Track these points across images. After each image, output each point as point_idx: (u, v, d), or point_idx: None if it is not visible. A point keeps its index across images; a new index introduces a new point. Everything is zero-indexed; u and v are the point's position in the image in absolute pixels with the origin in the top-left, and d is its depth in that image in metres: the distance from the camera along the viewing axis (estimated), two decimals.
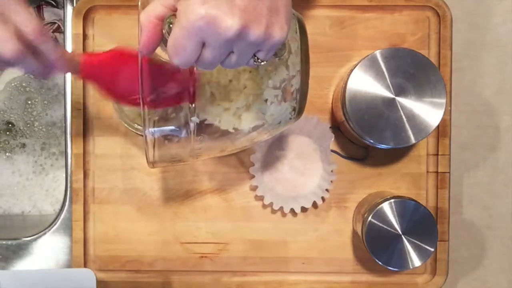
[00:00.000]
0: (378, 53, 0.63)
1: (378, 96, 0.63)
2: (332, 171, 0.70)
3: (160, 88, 0.51)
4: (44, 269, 0.73)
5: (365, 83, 0.63)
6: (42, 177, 0.85)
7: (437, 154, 0.72)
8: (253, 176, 0.71)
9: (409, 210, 0.65)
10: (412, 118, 0.63)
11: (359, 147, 0.73)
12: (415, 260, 0.65)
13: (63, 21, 0.75)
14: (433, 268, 0.73)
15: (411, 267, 0.65)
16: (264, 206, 0.73)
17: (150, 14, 0.47)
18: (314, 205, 0.72)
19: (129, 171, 0.73)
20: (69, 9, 0.74)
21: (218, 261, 0.73)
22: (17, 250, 0.74)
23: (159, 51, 0.49)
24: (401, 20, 0.72)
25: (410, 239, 0.64)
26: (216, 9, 0.43)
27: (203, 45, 0.45)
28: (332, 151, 0.72)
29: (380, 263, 0.65)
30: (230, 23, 0.43)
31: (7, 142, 0.85)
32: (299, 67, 0.54)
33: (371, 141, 0.64)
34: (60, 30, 0.83)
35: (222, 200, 0.73)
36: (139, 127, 0.68)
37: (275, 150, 0.72)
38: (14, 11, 0.49)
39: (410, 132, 0.63)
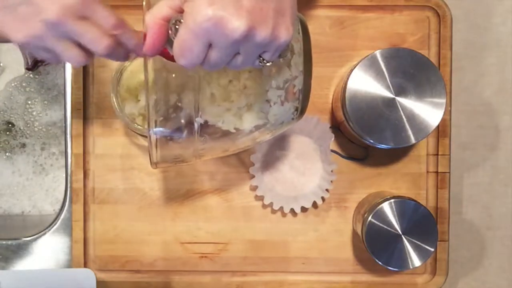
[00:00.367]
0: (378, 53, 0.63)
1: (378, 96, 0.63)
2: (332, 171, 0.70)
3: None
4: (44, 269, 0.73)
5: (365, 83, 0.63)
6: (42, 177, 0.85)
7: (437, 154, 0.72)
8: (253, 176, 0.71)
9: (409, 210, 0.65)
10: (412, 118, 0.63)
11: (359, 147, 0.73)
12: (415, 260, 0.65)
13: None
14: (433, 268, 0.73)
15: (411, 267, 0.65)
16: (264, 206, 0.73)
17: (156, 15, 0.47)
18: (314, 205, 0.72)
19: (129, 171, 0.73)
20: None
21: (218, 261, 0.73)
22: (17, 250, 0.74)
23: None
24: (401, 20, 0.72)
25: (410, 239, 0.64)
26: (223, 10, 0.43)
27: (210, 46, 0.45)
28: (332, 151, 0.72)
29: (380, 263, 0.65)
30: (237, 25, 0.43)
31: (7, 142, 0.85)
32: (302, 68, 0.54)
33: (371, 141, 0.64)
34: None
35: (222, 200, 0.73)
36: (139, 127, 0.68)
37: (275, 150, 0.72)
38: (94, 11, 0.51)
39: (410, 132, 0.63)
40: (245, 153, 0.72)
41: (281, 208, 0.71)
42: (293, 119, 0.57)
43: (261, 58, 0.48)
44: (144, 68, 0.51)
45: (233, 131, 0.55)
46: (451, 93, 0.72)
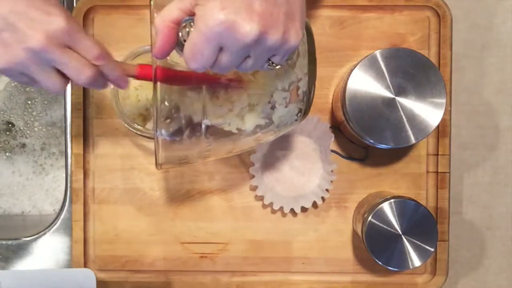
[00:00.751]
0: (378, 53, 0.63)
1: (378, 96, 0.63)
2: (332, 171, 0.70)
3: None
4: (44, 269, 0.73)
5: (365, 83, 0.63)
6: (42, 177, 0.85)
7: (437, 154, 0.72)
8: (253, 176, 0.71)
9: (409, 210, 0.65)
10: (412, 118, 0.63)
11: (359, 147, 0.73)
12: (415, 260, 0.65)
13: None
14: (433, 268, 0.73)
15: (411, 267, 0.65)
16: (264, 206, 0.73)
17: (166, 18, 0.47)
18: (314, 205, 0.72)
19: (129, 171, 0.73)
20: (69, 9, 0.74)
21: (218, 261, 0.73)
22: (17, 250, 0.74)
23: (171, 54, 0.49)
24: (401, 20, 0.72)
25: (410, 239, 0.64)
26: (235, 14, 0.43)
27: (220, 49, 0.45)
28: (332, 151, 0.72)
29: (380, 263, 0.65)
30: (248, 29, 0.44)
31: (7, 142, 0.85)
32: (307, 70, 0.54)
33: (371, 141, 0.64)
34: None
35: (222, 200, 0.73)
36: (139, 127, 0.68)
37: (275, 150, 0.72)
38: (78, 40, 0.51)
39: (410, 132, 0.63)
40: (245, 153, 0.72)
41: (281, 208, 0.71)
42: (296, 120, 0.57)
43: (270, 62, 0.48)
44: (153, 77, 0.51)
45: (235, 131, 0.55)
46: (451, 93, 0.72)
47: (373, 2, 0.72)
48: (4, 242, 0.74)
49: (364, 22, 0.72)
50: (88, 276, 0.65)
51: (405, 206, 0.65)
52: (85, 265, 0.73)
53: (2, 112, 0.85)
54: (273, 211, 0.73)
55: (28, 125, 0.85)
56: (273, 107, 0.55)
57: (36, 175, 0.85)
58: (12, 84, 0.85)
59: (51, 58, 0.50)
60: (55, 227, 0.74)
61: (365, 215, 0.66)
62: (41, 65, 0.51)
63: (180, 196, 0.73)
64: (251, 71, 0.49)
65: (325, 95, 0.73)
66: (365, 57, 0.63)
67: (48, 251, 0.74)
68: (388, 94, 0.63)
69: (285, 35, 0.46)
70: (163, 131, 0.53)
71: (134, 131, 0.68)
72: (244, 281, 0.73)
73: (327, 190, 0.71)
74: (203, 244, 0.73)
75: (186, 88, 0.53)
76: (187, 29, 0.46)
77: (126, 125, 0.68)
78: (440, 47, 0.72)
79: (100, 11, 0.73)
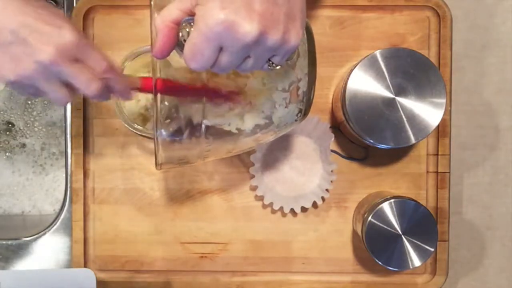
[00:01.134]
0: (378, 53, 0.63)
1: (378, 96, 0.63)
2: (332, 171, 0.70)
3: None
4: (44, 269, 0.73)
5: (365, 83, 0.63)
6: (42, 177, 0.85)
7: (437, 154, 0.72)
8: (253, 176, 0.71)
9: (409, 210, 0.65)
10: (412, 118, 0.63)
11: (359, 147, 0.73)
12: (415, 260, 0.65)
13: None
14: (433, 268, 0.73)
15: (411, 267, 0.65)
16: (264, 206, 0.73)
17: (166, 18, 0.47)
18: (314, 205, 0.72)
19: (129, 171, 0.73)
20: (69, 9, 0.74)
21: (218, 261, 0.73)
22: (17, 250, 0.74)
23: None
24: (401, 20, 0.72)
25: (410, 239, 0.64)
26: (235, 14, 0.43)
27: (220, 49, 0.45)
28: (332, 151, 0.72)
29: (380, 263, 0.65)
30: (248, 29, 0.44)
31: (7, 142, 0.85)
32: (307, 70, 0.54)
33: (371, 141, 0.64)
34: None
35: (222, 200, 0.73)
36: (139, 127, 0.68)
37: (275, 150, 0.72)
38: (88, 53, 0.52)
39: (410, 132, 0.63)
40: (245, 153, 0.72)
41: (281, 208, 0.71)
42: (296, 120, 0.57)
43: (270, 62, 0.48)
44: (153, 72, 0.51)
45: (235, 131, 0.55)
46: (451, 93, 0.72)
47: (373, 2, 0.72)
48: (4, 242, 0.74)
49: (364, 22, 0.72)
50: (88, 276, 0.65)
51: (405, 206, 0.65)
52: (85, 265, 0.73)
53: (2, 112, 0.85)
54: (273, 211, 0.73)
55: (28, 125, 0.85)
56: (273, 107, 0.55)
57: (36, 175, 0.85)
58: None
59: (61, 71, 0.51)
60: (55, 227, 0.74)
61: (365, 215, 0.66)
62: (50, 78, 0.51)
63: (180, 196, 0.73)
64: (251, 71, 0.49)
65: (325, 95, 0.73)
66: (365, 57, 0.63)
67: (48, 251, 0.74)
68: (388, 94, 0.63)
69: (285, 35, 0.46)
70: (163, 131, 0.53)
71: (134, 131, 0.68)
72: (244, 281, 0.73)
73: (327, 190, 0.71)
74: (203, 244, 0.73)
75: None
76: (187, 29, 0.46)
77: (126, 125, 0.68)
78: (440, 47, 0.72)
79: (100, 11, 0.73)
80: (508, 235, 0.77)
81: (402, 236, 0.64)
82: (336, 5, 0.72)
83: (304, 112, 0.57)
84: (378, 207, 0.65)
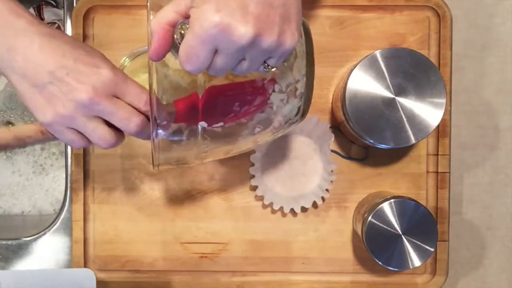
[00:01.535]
0: (378, 53, 0.63)
1: (378, 96, 0.63)
2: (332, 171, 0.70)
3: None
4: (44, 269, 0.73)
5: (365, 83, 0.63)
6: (42, 177, 0.85)
7: (437, 154, 0.72)
8: (253, 176, 0.71)
9: (409, 210, 0.65)
10: (412, 118, 0.63)
11: (359, 147, 0.73)
12: (415, 260, 0.65)
13: (63, 21, 0.75)
14: (433, 268, 0.73)
15: (411, 267, 0.65)
16: (264, 206, 0.73)
17: (162, 20, 0.47)
18: (314, 205, 0.72)
19: (129, 171, 0.73)
20: (69, 9, 0.74)
21: (218, 261, 0.73)
22: (17, 250, 0.74)
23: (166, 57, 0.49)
24: (401, 20, 0.72)
25: (410, 239, 0.64)
26: (230, 16, 0.43)
27: (215, 52, 0.45)
28: (332, 151, 0.72)
29: (380, 263, 0.65)
30: (243, 31, 0.43)
31: None
32: (304, 71, 0.54)
33: (371, 141, 0.64)
34: (60, 30, 0.83)
35: (222, 200, 0.73)
36: None
37: (275, 150, 0.72)
38: (126, 89, 0.52)
39: (410, 132, 0.63)
40: (245, 153, 0.72)
41: (281, 208, 0.71)
42: (294, 121, 0.57)
43: (266, 64, 0.48)
44: (149, 73, 0.51)
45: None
46: (451, 93, 0.72)
47: (373, 2, 0.72)
48: (4, 242, 0.74)
49: (364, 22, 0.72)
50: (88, 276, 0.65)
51: (405, 206, 0.65)
52: (85, 265, 0.73)
53: (2, 112, 0.85)
54: (273, 211, 0.73)
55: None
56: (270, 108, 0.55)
57: (36, 175, 0.85)
58: None
59: (99, 110, 0.51)
60: (55, 227, 0.74)
61: (365, 215, 0.66)
62: (88, 117, 0.51)
63: (180, 196, 0.73)
64: (247, 73, 0.49)
65: (325, 95, 0.73)
66: (365, 57, 0.63)
67: (48, 251, 0.74)
68: (388, 94, 0.63)
69: (280, 37, 0.46)
70: (160, 132, 0.53)
71: None
72: (244, 281, 0.73)
73: (327, 190, 0.71)
74: (203, 244, 0.73)
75: (184, 89, 0.53)
76: (182, 31, 0.46)
77: None
78: (440, 47, 0.72)
79: (100, 11, 0.73)
80: (508, 235, 0.77)
81: (402, 236, 0.64)
82: (336, 5, 0.72)
83: (302, 113, 0.57)
84: (378, 207, 0.65)
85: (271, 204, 0.71)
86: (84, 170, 0.73)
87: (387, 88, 0.63)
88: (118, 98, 0.52)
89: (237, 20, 0.43)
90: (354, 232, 0.73)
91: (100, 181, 0.73)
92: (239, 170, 0.73)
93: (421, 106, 0.63)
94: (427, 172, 0.73)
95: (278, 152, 0.72)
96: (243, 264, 0.73)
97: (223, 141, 0.56)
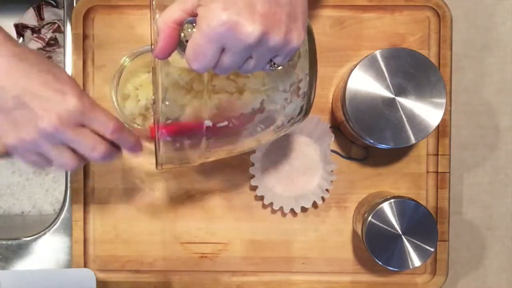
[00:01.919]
0: (378, 53, 0.63)
1: (378, 96, 0.63)
2: (332, 171, 0.70)
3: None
4: (44, 269, 0.73)
5: (365, 83, 0.63)
6: (42, 177, 0.85)
7: (437, 154, 0.72)
8: (253, 176, 0.71)
9: (409, 210, 0.65)
10: (412, 118, 0.63)
11: (359, 147, 0.73)
12: (415, 260, 0.65)
13: (63, 21, 0.75)
14: (433, 268, 0.73)
15: (411, 267, 0.65)
16: (264, 206, 0.73)
17: (168, 18, 0.47)
18: (314, 205, 0.72)
19: (129, 171, 0.73)
20: (69, 9, 0.74)
21: (218, 261, 0.73)
22: (17, 250, 0.74)
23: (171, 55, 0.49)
24: (401, 20, 0.72)
25: (410, 239, 0.64)
26: (238, 15, 0.43)
27: (222, 50, 0.45)
28: (332, 151, 0.72)
29: (380, 263, 0.65)
30: (251, 29, 0.44)
31: None
32: (308, 70, 0.54)
33: (371, 141, 0.64)
34: (60, 30, 0.83)
35: (222, 200, 0.73)
36: (139, 127, 0.68)
37: (275, 150, 0.72)
38: (93, 118, 0.52)
39: (410, 132, 0.63)
40: (245, 153, 0.72)
41: (281, 208, 0.71)
42: (297, 120, 0.57)
43: (272, 62, 0.48)
44: (153, 72, 0.51)
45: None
46: (451, 93, 0.72)
47: (373, 2, 0.72)
48: (4, 242, 0.74)
49: (364, 22, 0.72)
50: (88, 276, 0.65)
51: (405, 206, 0.65)
52: (85, 265, 0.73)
53: None
54: (273, 211, 0.73)
55: None
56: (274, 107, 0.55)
57: (36, 175, 0.85)
58: None
59: (63, 138, 0.51)
60: (55, 227, 0.74)
61: (365, 215, 0.66)
62: (53, 144, 0.51)
63: (180, 196, 0.73)
64: (253, 72, 0.49)
65: (325, 95, 0.73)
66: (365, 57, 0.63)
67: (48, 251, 0.74)
68: (388, 94, 0.63)
69: (287, 36, 0.46)
70: (163, 131, 0.53)
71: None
72: (244, 281, 0.73)
73: (327, 190, 0.71)
74: (203, 244, 0.73)
75: (189, 88, 0.53)
76: (189, 30, 0.46)
77: (126, 125, 0.68)
78: (440, 47, 0.72)
79: (100, 11, 0.73)
80: (508, 235, 0.77)
81: (402, 236, 0.64)
82: (336, 5, 0.72)
83: (305, 112, 0.57)
84: (378, 207, 0.65)
85: (271, 204, 0.71)
86: (84, 170, 0.73)
87: (387, 88, 0.63)
88: (84, 126, 0.52)
89: (245, 19, 0.43)
90: (354, 232, 0.73)
91: (100, 181, 0.73)
92: (239, 170, 0.73)
93: (421, 106, 0.63)
94: (427, 172, 0.73)
95: (278, 152, 0.72)
96: (243, 264, 0.73)
97: (226, 140, 0.56)
